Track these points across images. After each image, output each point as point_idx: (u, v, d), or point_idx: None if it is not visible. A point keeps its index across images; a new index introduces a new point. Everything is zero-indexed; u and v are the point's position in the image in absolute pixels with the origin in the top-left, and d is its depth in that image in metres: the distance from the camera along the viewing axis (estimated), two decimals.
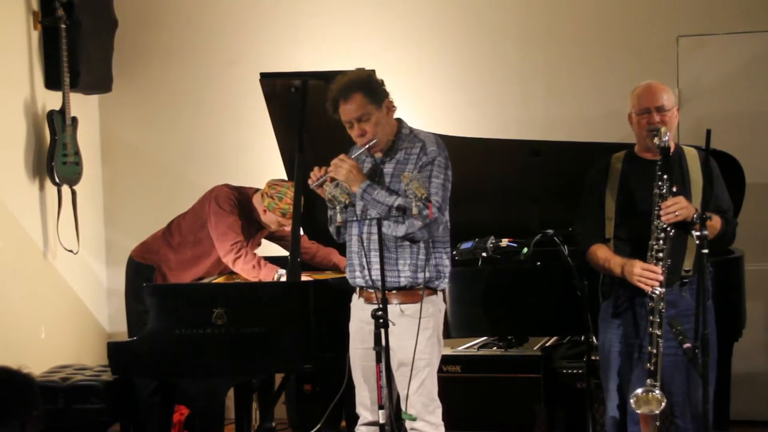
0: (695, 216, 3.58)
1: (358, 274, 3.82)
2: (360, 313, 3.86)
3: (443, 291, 3.87)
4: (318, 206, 4.24)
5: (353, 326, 3.91)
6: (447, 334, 4.47)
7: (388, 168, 3.80)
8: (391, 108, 3.80)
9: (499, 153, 4.94)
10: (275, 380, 5.23)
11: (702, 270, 3.44)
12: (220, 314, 4.18)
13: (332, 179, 3.73)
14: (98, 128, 6.32)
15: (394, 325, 3.60)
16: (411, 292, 3.75)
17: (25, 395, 2.64)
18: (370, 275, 3.70)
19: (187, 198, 5.09)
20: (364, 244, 3.74)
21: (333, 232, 3.99)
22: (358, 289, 3.88)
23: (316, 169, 3.78)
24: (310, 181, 3.78)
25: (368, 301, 3.82)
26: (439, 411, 3.82)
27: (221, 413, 4.41)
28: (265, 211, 4.78)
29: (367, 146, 3.74)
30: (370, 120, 3.72)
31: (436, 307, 3.81)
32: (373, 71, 4.26)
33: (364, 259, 3.74)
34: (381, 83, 3.81)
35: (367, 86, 3.73)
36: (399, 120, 3.86)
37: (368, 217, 3.74)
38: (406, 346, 3.69)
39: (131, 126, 6.32)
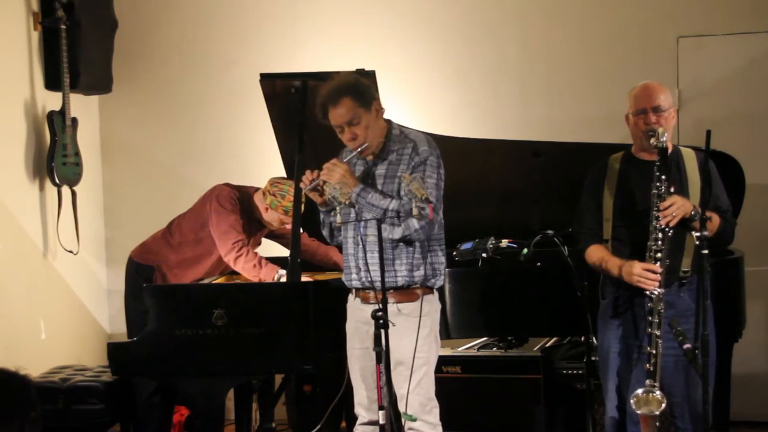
0: (693, 212, 3.59)
1: (354, 276, 3.82)
2: (357, 313, 3.86)
3: (439, 290, 3.87)
4: None
5: (350, 326, 3.91)
6: (447, 334, 4.48)
7: (380, 170, 3.80)
8: (380, 110, 3.80)
9: (499, 154, 4.94)
10: (275, 381, 5.23)
11: (702, 270, 3.44)
12: (220, 315, 4.19)
13: (325, 182, 3.73)
14: (98, 129, 6.32)
15: (394, 325, 3.60)
16: (408, 291, 3.76)
17: (22, 397, 2.64)
18: (368, 276, 3.69)
19: (187, 198, 5.09)
20: (361, 246, 3.74)
21: (326, 235, 4.00)
22: (354, 289, 3.88)
23: (308, 172, 3.77)
24: (301, 185, 3.79)
25: (365, 300, 3.82)
26: (437, 410, 3.82)
27: (221, 414, 4.40)
28: (267, 209, 4.78)
29: (359, 150, 3.74)
30: (361, 123, 3.72)
31: (432, 306, 3.82)
32: (373, 72, 4.27)
33: (360, 261, 3.75)
34: (368, 86, 3.80)
35: (355, 90, 3.72)
36: (388, 121, 3.86)
37: (365, 218, 3.73)
38: (404, 345, 3.69)
39: (131, 126, 6.32)
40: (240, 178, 5.09)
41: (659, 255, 3.60)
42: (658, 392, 3.54)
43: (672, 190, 3.61)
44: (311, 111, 4.09)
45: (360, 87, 3.75)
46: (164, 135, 6.29)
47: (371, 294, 3.77)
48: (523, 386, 4.82)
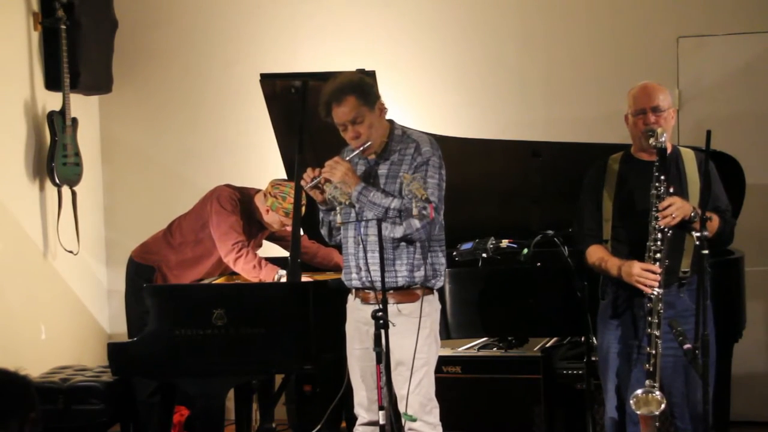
0: (693, 214, 3.59)
1: (354, 275, 3.81)
2: (357, 313, 3.85)
3: (439, 290, 3.88)
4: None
5: (350, 327, 3.90)
6: (447, 334, 4.48)
7: (382, 170, 3.80)
8: (383, 110, 3.79)
9: (499, 154, 4.94)
10: (275, 381, 5.23)
11: (702, 271, 3.44)
12: (220, 315, 4.18)
13: (326, 180, 3.73)
14: (98, 129, 6.32)
15: (394, 326, 3.60)
16: (408, 292, 3.76)
17: (22, 397, 2.64)
18: (369, 276, 3.69)
19: (187, 198, 5.09)
20: (361, 245, 3.74)
21: (324, 234, 3.99)
22: (353, 290, 3.88)
23: (309, 170, 3.77)
24: (303, 182, 3.78)
25: (365, 301, 3.81)
26: (437, 411, 3.82)
27: (221, 414, 4.40)
28: (267, 210, 4.78)
29: (361, 148, 3.74)
30: (364, 122, 3.71)
31: (432, 307, 3.82)
32: (373, 72, 4.26)
33: (361, 261, 3.75)
34: (372, 85, 3.81)
35: (359, 89, 3.72)
36: (390, 121, 3.86)
37: (366, 218, 3.73)
38: (404, 346, 3.69)
39: (131, 126, 6.33)
40: (240, 178, 5.09)
41: (658, 255, 3.60)
42: (657, 392, 3.54)
43: (671, 190, 3.61)
44: (312, 111, 4.10)
45: (364, 86, 3.75)
46: (164, 135, 6.29)
47: (371, 294, 3.77)
48: (523, 386, 4.81)
